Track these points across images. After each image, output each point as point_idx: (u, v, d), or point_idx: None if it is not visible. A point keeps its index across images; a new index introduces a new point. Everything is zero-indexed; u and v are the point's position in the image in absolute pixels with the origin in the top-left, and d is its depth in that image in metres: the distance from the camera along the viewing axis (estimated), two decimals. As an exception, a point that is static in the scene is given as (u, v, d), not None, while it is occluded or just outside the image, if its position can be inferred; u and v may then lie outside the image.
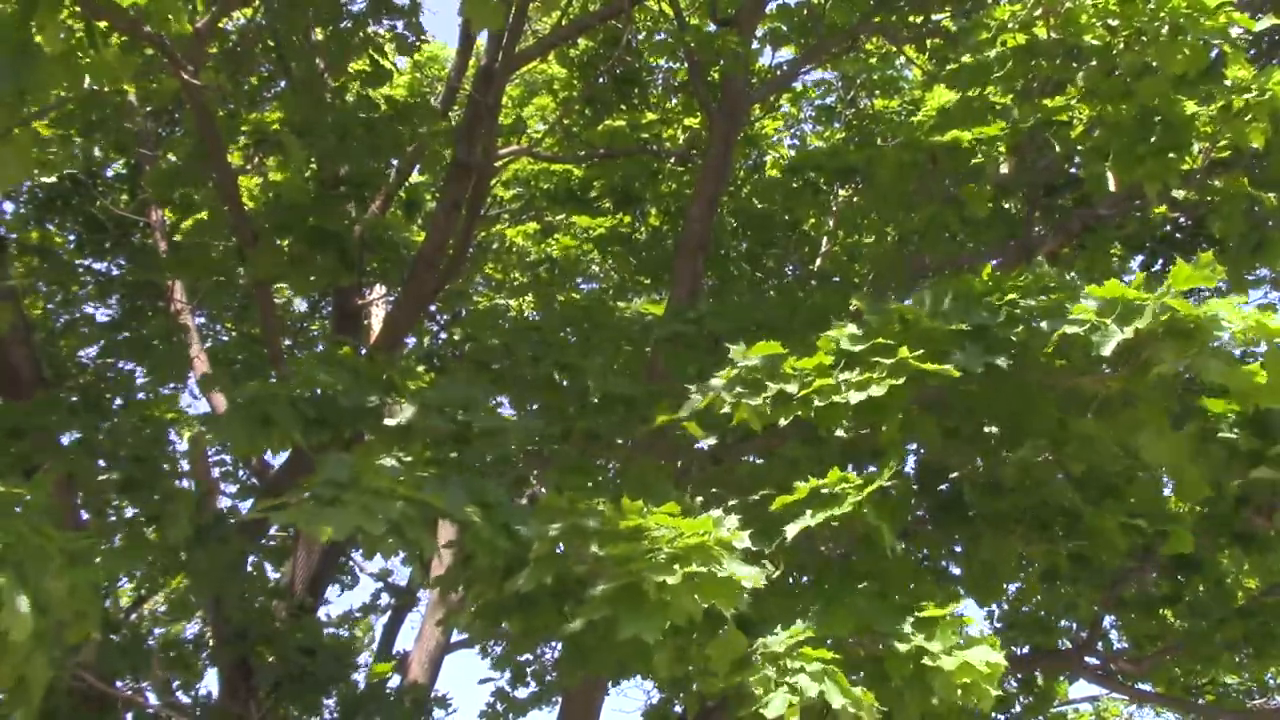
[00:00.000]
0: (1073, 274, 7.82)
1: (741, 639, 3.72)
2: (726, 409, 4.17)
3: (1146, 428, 4.22)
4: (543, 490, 8.33)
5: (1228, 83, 5.47)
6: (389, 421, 4.26)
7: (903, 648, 3.80)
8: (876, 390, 3.80)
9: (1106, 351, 3.85)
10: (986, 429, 4.84)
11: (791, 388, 4.00)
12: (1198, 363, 3.83)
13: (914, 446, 5.62)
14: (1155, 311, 3.78)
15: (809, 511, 3.94)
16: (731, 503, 4.34)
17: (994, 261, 8.24)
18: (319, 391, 4.42)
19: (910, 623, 3.89)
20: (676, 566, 3.42)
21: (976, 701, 3.70)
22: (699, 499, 4.28)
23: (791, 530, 3.94)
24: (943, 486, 5.24)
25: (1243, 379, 3.85)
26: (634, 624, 3.38)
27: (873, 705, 3.60)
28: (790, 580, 4.95)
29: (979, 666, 3.67)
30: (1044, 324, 4.05)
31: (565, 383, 5.29)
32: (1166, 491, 5.59)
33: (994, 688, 3.71)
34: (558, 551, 3.59)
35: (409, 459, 3.83)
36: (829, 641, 3.86)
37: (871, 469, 4.12)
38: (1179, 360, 3.85)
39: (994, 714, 7.21)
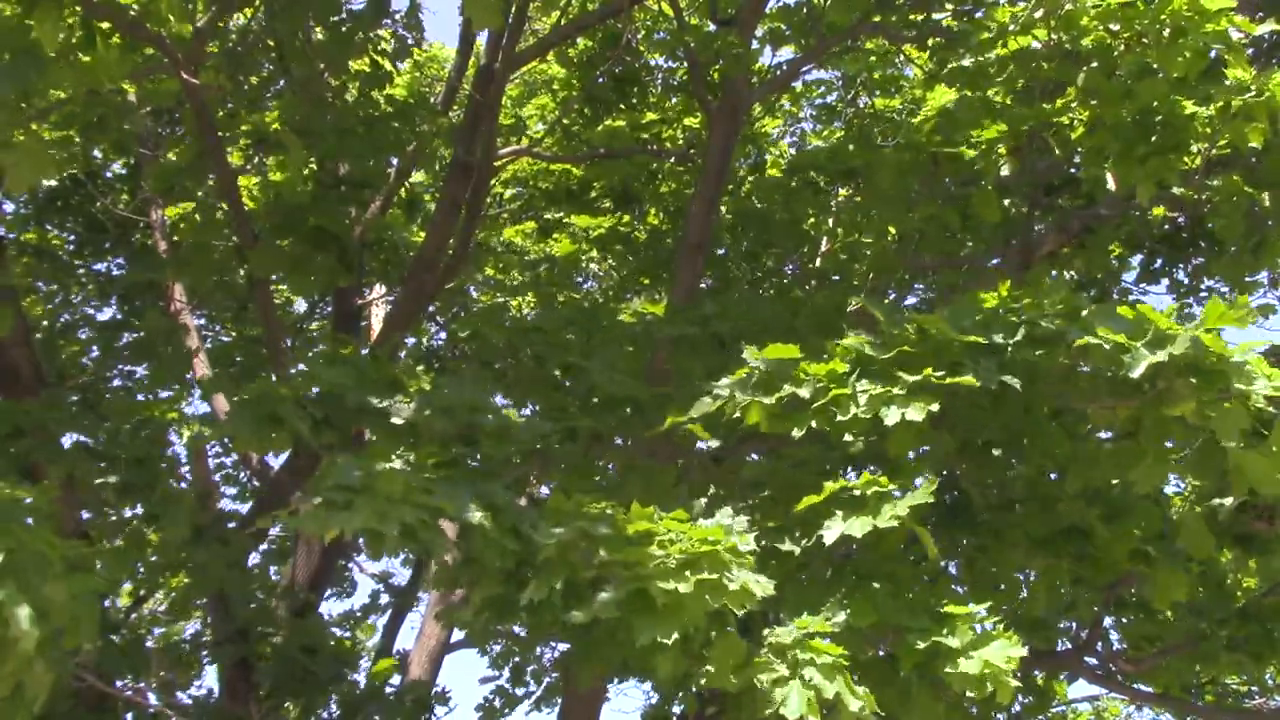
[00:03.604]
0: (1071, 273, 7.84)
1: (741, 643, 3.72)
2: (738, 412, 4.16)
3: (1144, 461, 4.19)
4: (543, 491, 8.35)
5: (1228, 83, 5.47)
6: (395, 420, 4.25)
7: (921, 644, 3.80)
8: (913, 414, 3.78)
9: (1136, 374, 3.79)
10: (992, 440, 4.83)
11: (804, 392, 3.99)
12: (1217, 421, 3.81)
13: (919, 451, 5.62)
14: (1187, 343, 3.75)
15: (840, 514, 3.93)
16: (736, 505, 4.33)
17: (994, 262, 8.25)
18: (323, 390, 4.40)
19: (928, 617, 3.89)
20: (688, 573, 3.42)
21: (996, 695, 3.70)
22: (702, 500, 4.28)
23: (830, 536, 3.93)
24: (948, 497, 5.23)
25: (1244, 455, 3.84)
26: (648, 630, 3.39)
27: (875, 710, 3.60)
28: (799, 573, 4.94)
29: (998, 661, 3.67)
30: (1065, 335, 4.02)
31: (568, 383, 5.28)
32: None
33: (1011, 680, 3.71)
34: (566, 555, 3.58)
35: (413, 459, 3.83)
36: (841, 634, 3.85)
37: (880, 470, 4.10)
38: (1195, 399, 3.82)
39: (993, 714, 7.20)
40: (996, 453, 4.84)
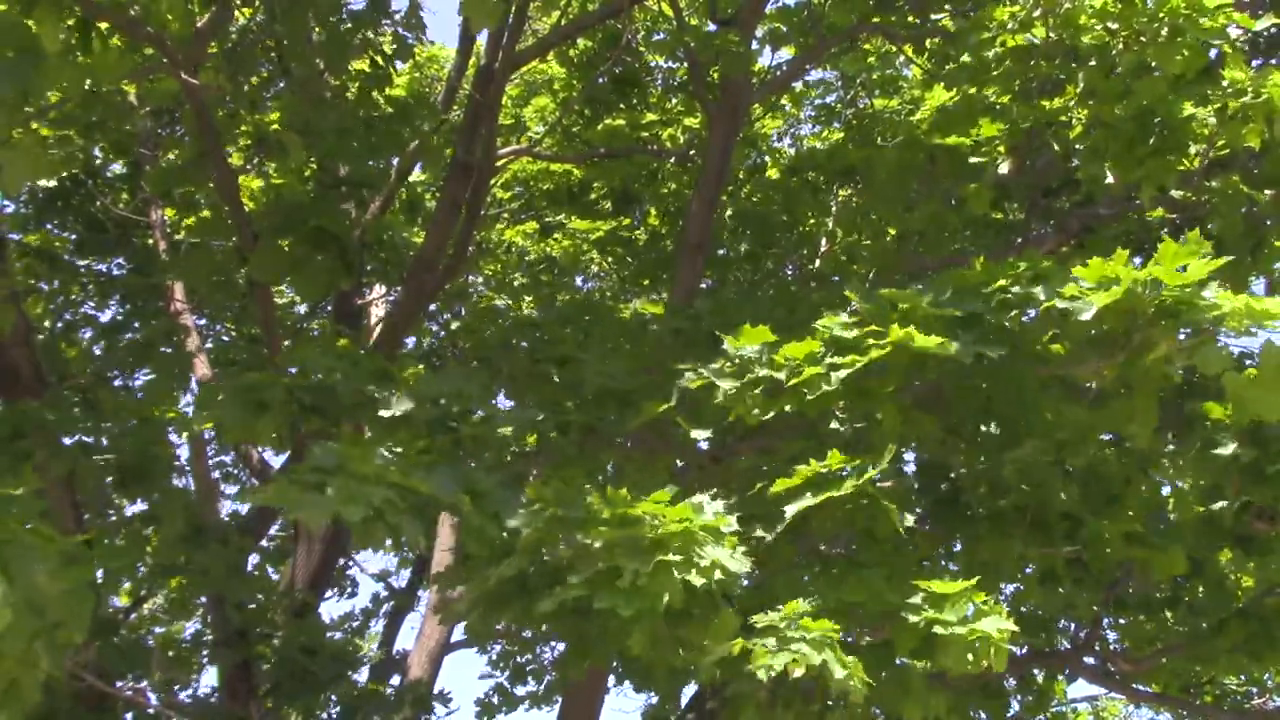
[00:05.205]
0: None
1: (734, 618, 3.71)
2: (720, 399, 4.16)
3: (1138, 418, 4.21)
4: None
5: (1225, 84, 5.47)
6: (383, 412, 4.25)
7: (914, 619, 3.80)
8: (861, 361, 3.78)
9: (1086, 317, 3.84)
10: (984, 426, 4.83)
11: (782, 375, 3.99)
12: (1199, 357, 3.82)
13: (914, 445, 5.62)
14: (1141, 282, 3.76)
15: (808, 493, 3.93)
16: (730, 503, 4.33)
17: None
18: (318, 378, 4.40)
19: (921, 596, 3.90)
20: (657, 554, 3.42)
21: (989, 664, 3.70)
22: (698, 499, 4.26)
23: (791, 509, 3.93)
24: (942, 486, 5.23)
25: (1239, 382, 3.85)
26: (608, 600, 3.38)
27: (863, 679, 3.61)
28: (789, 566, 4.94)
29: (991, 632, 3.68)
30: (1035, 294, 4.05)
31: (561, 378, 5.28)
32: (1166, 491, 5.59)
33: (1004, 653, 3.72)
34: (544, 539, 3.58)
35: (400, 449, 3.82)
36: (834, 613, 3.85)
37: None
38: (1174, 346, 3.84)
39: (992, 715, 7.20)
40: (990, 435, 4.84)
